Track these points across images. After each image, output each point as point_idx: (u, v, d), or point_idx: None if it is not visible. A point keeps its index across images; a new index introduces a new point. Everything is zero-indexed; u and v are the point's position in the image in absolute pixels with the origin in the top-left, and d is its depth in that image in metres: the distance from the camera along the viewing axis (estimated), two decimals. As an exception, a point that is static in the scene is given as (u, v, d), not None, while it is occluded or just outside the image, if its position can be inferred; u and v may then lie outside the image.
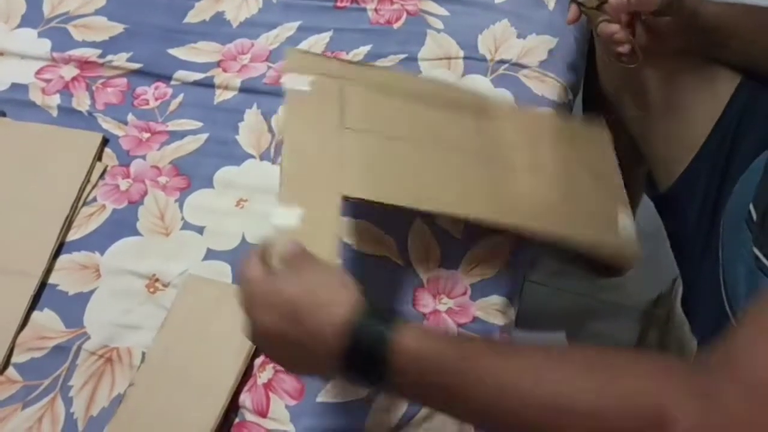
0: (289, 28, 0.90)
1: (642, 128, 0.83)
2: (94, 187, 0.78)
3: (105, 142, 0.81)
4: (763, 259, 0.63)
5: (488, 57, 0.84)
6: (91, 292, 0.71)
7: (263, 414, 0.62)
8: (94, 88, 0.86)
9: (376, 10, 0.90)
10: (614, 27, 0.68)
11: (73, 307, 0.70)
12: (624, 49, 0.69)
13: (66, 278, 0.72)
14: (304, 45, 0.88)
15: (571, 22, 0.74)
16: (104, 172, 0.79)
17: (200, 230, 0.75)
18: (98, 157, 0.80)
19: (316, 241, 0.53)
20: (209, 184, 0.78)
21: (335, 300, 0.46)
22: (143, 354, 0.67)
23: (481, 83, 0.82)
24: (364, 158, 0.62)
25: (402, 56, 0.86)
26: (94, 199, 0.77)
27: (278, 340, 0.48)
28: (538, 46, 0.85)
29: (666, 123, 0.79)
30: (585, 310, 1.18)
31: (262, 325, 0.48)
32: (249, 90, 0.85)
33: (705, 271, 0.76)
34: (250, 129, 0.81)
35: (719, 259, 0.72)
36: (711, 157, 0.79)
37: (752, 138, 0.74)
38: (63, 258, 0.73)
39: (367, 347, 0.45)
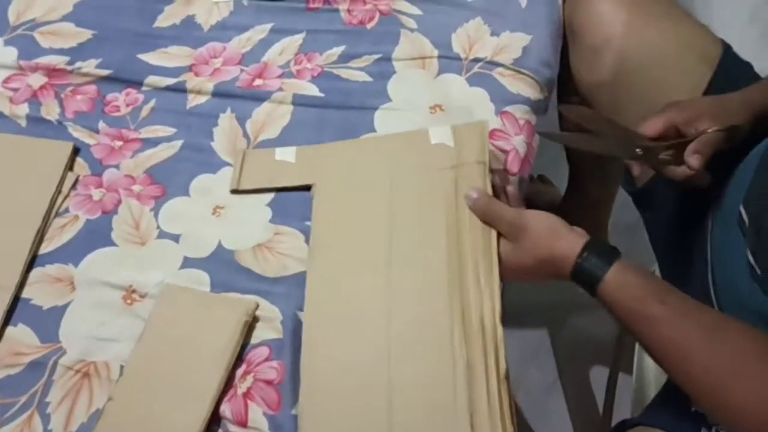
0: (262, 31, 0.89)
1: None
2: (66, 197, 0.76)
3: (76, 151, 0.80)
4: (757, 268, 0.63)
5: (462, 55, 0.84)
6: (66, 305, 0.70)
7: (243, 424, 0.61)
8: (63, 96, 0.84)
9: (348, 10, 0.89)
10: (692, 173, 0.68)
11: (48, 322, 0.69)
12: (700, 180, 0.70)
13: (40, 292, 0.71)
14: (276, 47, 0.87)
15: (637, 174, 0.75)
16: (76, 182, 0.77)
17: (176, 238, 0.74)
18: (69, 166, 0.78)
19: None
20: (185, 192, 0.77)
21: (560, 255, 0.64)
22: (121, 367, 0.66)
23: (456, 82, 0.82)
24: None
25: (376, 56, 0.85)
26: (67, 210, 0.76)
27: (531, 277, 0.68)
28: (512, 44, 0.85)
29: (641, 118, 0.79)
30: (565, 304, 1.19)
31: (519, 274, 0.68)
32: (222, 94, 0.84)
33: (689, 268, 0.76)
34: (225, 134, 0.80)
35: (707, 260, 0.72)
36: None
37: None
38: (36, 271, 0.72)
39: (584, 281, 0.63)
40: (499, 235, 0.68)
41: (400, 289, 0.66)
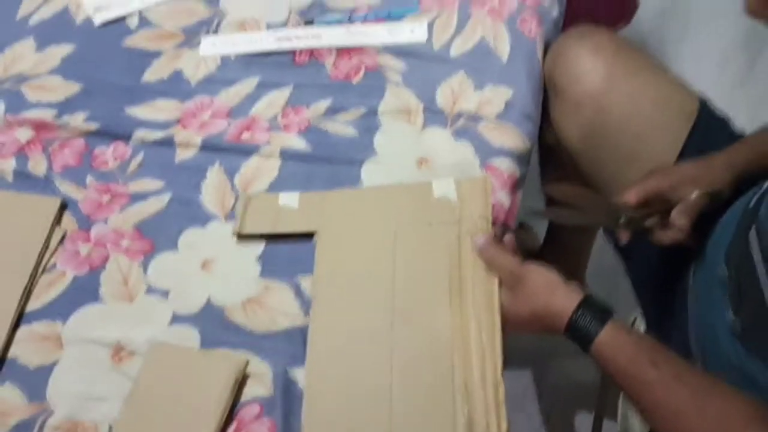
0: (249, 85, 0.90)
1: (599, 176, 0.85)
2: (53, 253, 0.76)
3: (64, 206, 0.80)
4: (738, 326, 0.65)
5: (447, 109, 0.86)
6: (54, 363, 0.69)
7: (238, 485, 0.61)
8: (50, 150, 0.85)
9: (334, 64, 0.91)
10: (682, 236, 0.71)
11: (35, 381, 0.68)
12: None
13: (26, 350, 0.70)
14: (264, 101, 0.89)
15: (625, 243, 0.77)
16: (64, 237, 0.77)
17: (165, 294, 0.74)
18: (57, 222, 0.78)
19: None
20: (173, 246, 0.77)
21: (555, 311, 0.66)
22: (110, 427, 0.65)
23: (441, 136, 0.84)
24: None
25: (362, 110, 0.87)
26: (54, 266, 0.76)
27: (525, 328, 0.69)
28: (494, 98, 0.87)
29: (622, 171, 0.82)
30: (551, 350, 1.20)
31: (514, 325, 0.69)
32: (210, 147, 0.84)
33: (671, 320, 0.78)
34: (213, 188, 0.81)
35: (688, 315, 0.74)
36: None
37: None
38: (23, 329, 0.72)
39: (578, 339, 0.65)
40: (499, 283, 0.70)
41: (402, 345, 0.67)
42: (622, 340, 0.63)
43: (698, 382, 0.60)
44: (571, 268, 1.16)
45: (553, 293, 0.66)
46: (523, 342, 1.18)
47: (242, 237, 0.76)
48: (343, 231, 0.75)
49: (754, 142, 0.74)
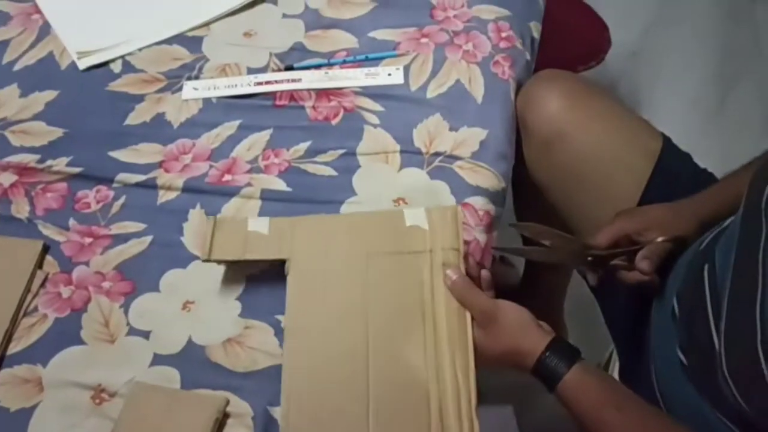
0: (230, 127, 0.92)
1: (569, 213, 0.88)
2: (35, 296, 0.77)
3: (46, 249, 0.81)
4: (685, 361, 0.67)
5: (423, 150, 0.88)
6: (34, 407, 0.70)
7: None
8: (33, 194, 0.86)
9: (314, 107, 0.94)
10: (646, 279, 0.73)
11: (15, 425, 0.68)
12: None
13: (7, 394, 0.71)
14: (245, 143, 0.91)
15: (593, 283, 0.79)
16: (45, 280, 0.78)
17: (146, 335, 0.74)
18: (39, 265, 0.79)
19: None
20: (155, 287, 0.78)
21: (526, 350, 0.68)
22: (90, 471, 0.65)
23: (418, 176, 0.86)
24: None
25: (341, 151, 0.89)
26: (35, 309, 0.76)
27: (495, 364, 0.71)
28: (469, 138, 0.89)
29: (591, 208, 0.84)
30: (532, 384, 1.20)
31: (486, 361, 0.70)
32: (192, 190, 0.86)
33: (640, 356, 0.80)
34: (194, 230, 0.82)
35: (649, 350, 0.76)
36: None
37: None
38: (4, 372, 0.72)
39: (544, 378, 0.68)
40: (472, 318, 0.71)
41: (377, 381, 0.67)
42: (588, 382, 0.65)
43: (661, 426, 0.61)
44: (549, 303, 1.18)
45: (524, 333, 0.68)
46: (505, 376, 1.19)
47: (210, 262, 0.75)
48: (315, 258, 0.75)
49: (719, 191, 0.77)
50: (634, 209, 0.76)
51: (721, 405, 0.62)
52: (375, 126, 0.91)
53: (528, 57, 1.00)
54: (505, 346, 0.69)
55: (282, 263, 0.75)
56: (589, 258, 0.75)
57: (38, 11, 1.04)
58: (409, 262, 0.74)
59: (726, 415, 0.63)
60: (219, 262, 0.77)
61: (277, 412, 0.68)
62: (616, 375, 0.91)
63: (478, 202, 0.84)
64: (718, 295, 0.63)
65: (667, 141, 0.87)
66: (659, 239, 0.72)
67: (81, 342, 0.74)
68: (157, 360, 0.72)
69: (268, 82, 0.96)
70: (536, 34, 1.03)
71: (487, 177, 0.86)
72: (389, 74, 0.96)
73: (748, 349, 0.54)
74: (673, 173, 0.82)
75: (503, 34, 0.99)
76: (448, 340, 0.69)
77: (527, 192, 0.95)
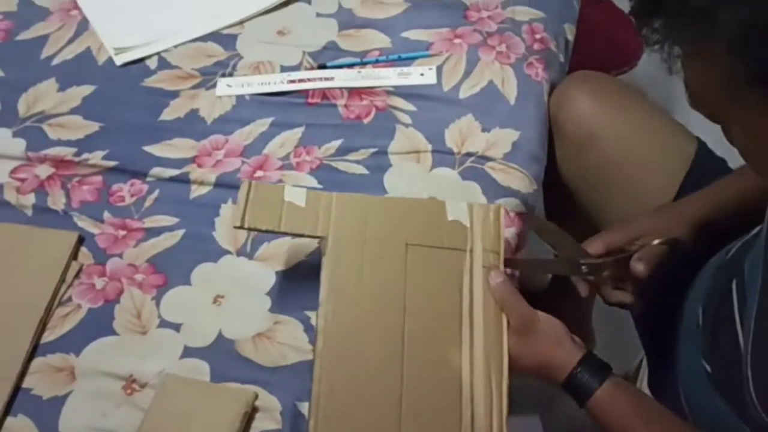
0: (263, 124, 0.93)
1: (599, 215, 0.87)
2: (69, 286, 0.78)
3: (81, 240, 0.82)
4: (710, 372, 0.66)
5: (455, 150, 0.88)
6: (66, 395, 0.71)
7: None
8: (69, 186, 0.87)
9: (346, 105, 0.94)
10: (629, 299, 0.75)
11: (48, 412, 0.69)
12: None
13: (40, 382, 0.72)
14: (277, 140, 0.91)
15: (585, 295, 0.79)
16: (80, 271, 0.79)
17: (177, 328, 0.75)
18: (74, 256, 0.80)
19: None
20: (187, 280, 0.79)
21: (558, 364, 0.69)
22: (121, 460, 0.66)
23: (449, 176, 0.86)
24: None
25: (372, 150, 0.89)
26: (70, 299, 0.77)
27: (526, 373, 0.71)
28: (501, 139, 0.89)
29: (621, 211, 0.83)
30: (557, 392, 1.19)
31: (518, 370, 0.70)
32: (224, 185, 0.87)
33: (665, 364, 0.79)
34: (226, 224, 0.83)
35: (676, 360, 0.75)
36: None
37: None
38: (37, 360, 0.73)
39: (575, 393, 0.68)
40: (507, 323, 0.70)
41: (411, 379, 0.67)
42: (618, 398, 0.65)
43: None
44: (578, 307, 1.16)
45: (558, 347, 0.68)
46: (531, 384, 1.18)
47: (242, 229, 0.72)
48: (353, 241, 0.72)
49: (708, 194, 0.77)
50: (626, 220, 0.77)
51: (747, 417, 0.61)
52: (407, 125, 0.91)
53: (561, 59, 0.99)
54: (539, 358, 0.69)
55: (313, 253, 0.75)
56: (583, 267, 0.75)
57: (77, 7, 1.06)
58: (449, 258, 0.73)
59: (753, 428, 0.62)
60: (251, 230, 0.73)
61: (305, 408, 0.69)
62: (645, 383, 0.89)
63: (510, 203, 0.83)
64: (747, 309, 0.62)
65: (702, 145, 0.86)
66: (654, 242, 0.72)
67: (113, 333, 0.75)
68: (188, 352, 0.73)
69: (300, 80, 0.97)
70: (570, 37, 1.03)
71: (519, 178, 0.86)
72: (422, 74, 0.96)
73: None
74: (707, 177, 0.80)
75: (537, 36, 0.99)
76: (485, 347, 0.69)
77: (559, 195, 0.95)
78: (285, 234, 0.74)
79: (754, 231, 0.67)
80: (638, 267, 0.72)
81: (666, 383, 0.79)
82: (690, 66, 0.44)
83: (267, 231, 0.73)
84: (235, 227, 0.72)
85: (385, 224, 0.74)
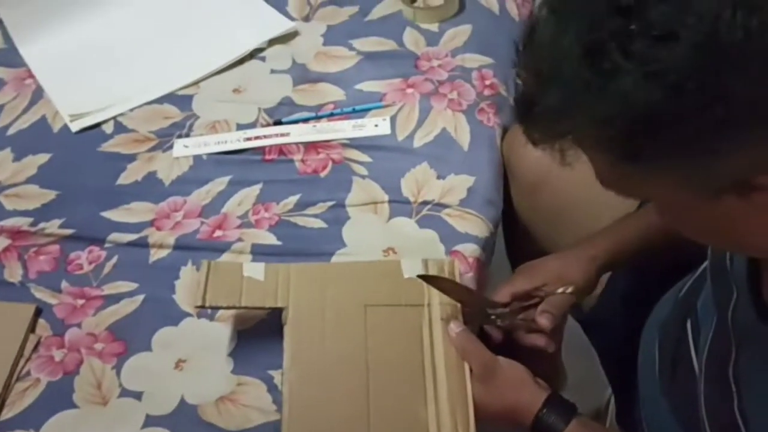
0: (220, 183, 0.93)
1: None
2: (27, 360, 0.77)
3: (38, 312, 0.81)
4: (669, 404, 0.67)
5: (411, 199, 0.89)
6: (27, 475, 0.69)
7: None
8: (26, 257, 0.86)
9: (302, 160, 0.95)
10: (542, 341, 0.76)
11: (8, 493, 0.68)
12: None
13: (0, 462, 0.70)
14: (235, 198, 0.91)
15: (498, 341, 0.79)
16: (38, 343, 0.78)
17: (138, 396, 0.74)
18: (31, 328, 0.79)
19: None
20: (147, 346, 0.78)
21: (524, 407, 0.68)
22: None
23: (407, 225, 0.87)
24: None
25: (330, 203, 0.90)
26: (28, 373, 0.76)
27: (493, 420, 0.70)
28: (457, 186, 0.90)
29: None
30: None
31: (484, 416, 0.69)
32: (183, 247, 0.87)
33: (629, 398, 0.79)
34: (186, 287, 0.83)
35: (639, 393, 0.76)
36: (625, 278, 0.85)
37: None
38: (-3, 439, 0.72)
39: None
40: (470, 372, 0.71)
41: None
42: None
43: None
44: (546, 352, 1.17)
45: (522, 390, 0.69)
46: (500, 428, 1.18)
47: (203, 308, 0.75)
48: (313, 307, 0.74)
49: (612, 232, 0.78)
50: (532, 265, 0.78)
51: None
52: (363, 177, 0.92)
53: (512, 103, 1.01)
54: (504, 403, 0.69)
55: (276, 312, 0.76)
56: (492, 316, 0.76)
57: (31, 75, 1.06)
58: (408, 314, 0.75)
59: None
60: (213, 308, 0.76)
61: (271, 471, 0.68)
62: (614, 416, 0.90)
63: (468, 249, 0.84)
64: (700, 349, 0.63)
65: None
66: (559, 290, 0.73)
67: (74, 405, 0.74)
68: (150, 421, 0.72)
69: (257, 137, 0.98)
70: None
71: (475, 223, 0.87)
72: (376, 125, 0.97)
73: (727, 411, 0.55)
74: None
75: (487, 82, 1.01)
76: (449, 397, 0.69)
77: (517, 234, 0.96)
78: (246, 308, 0.76)
79: (702, 267, 0.68)
80: (542, 320, 0.73)
81: (632, 417, 0.80)
82: (582, 151, 0.45)
83: (228, 308, 0.76)
84: (197, 307, 0.75)
85: (343, 289, 0.76)
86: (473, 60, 1.04)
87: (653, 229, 0.75)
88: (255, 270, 0.77)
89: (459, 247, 0.84)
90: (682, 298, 0.71)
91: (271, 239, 0.86)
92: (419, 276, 0.74)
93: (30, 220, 0.90)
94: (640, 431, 0.76)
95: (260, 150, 0.96)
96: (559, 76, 0.40)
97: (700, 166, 0.40)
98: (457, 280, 0.78)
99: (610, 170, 0.45)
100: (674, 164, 0.41)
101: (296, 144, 0.96)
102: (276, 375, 0.74)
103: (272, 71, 1.06)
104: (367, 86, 1.02)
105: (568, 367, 1.27)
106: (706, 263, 0.65)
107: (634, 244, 0.77)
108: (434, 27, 1.08)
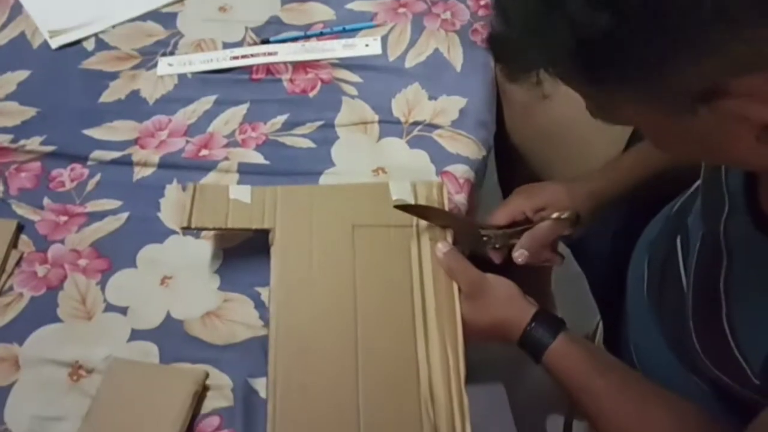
0: (206, 102, 0.91)
1: (549, 178, 0.87)
2: (10, 275, 0.75)
3: (20, 228, 0.79)
4: (658, 324, 0.66)
5: (402, 119, 0.87)
6: (11, 385, 0.69)
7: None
8: (7, 174, 0.84)
9: (291, 80, 0.92)
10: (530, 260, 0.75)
11: (-8, 404, 0.67)
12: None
13: (-17, 374, 0.69)
14: (221, 118, 0.89)
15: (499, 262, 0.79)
16: (20, 259, 0.77)
17: (124, 311, 0.73)
18: (13, 244, 0.78)
19: None
20: (132, 263, 0.77)
21: (513, 322, 0.68)
22: (68, 446, 0.64)
23: (397, 145, 0.85)
24: None
25: (319, 123, 0.88)
26: (11, 288, 0.75)
27: (482, 337, 0.71)
28: (449, 107, 0.88)
29: (570, 171, 0.83)
30: (520, 360, 1.20)
31: (473, 334, 0.69)
32: (168, 165, 0.85)
33: (618, 320, 0.79)
34: (171, 205, 0.81)
35: (627, 315, 0.75)
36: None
37: None
38: (-21, 352, 0.71)
39: (530, 349, 0.68)
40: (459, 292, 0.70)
41: (367, 352, 0.67)
42: (572, 351, 0.66)
43: (643, 392, 0.62)
44: (536, 276, 1.17)
45: (511, 305, 0.68)
46: (493, 353, 1.19)
47: (189, 230, 0.74)
48: (300, 229, 0.73)
49: (611, 169, 0.77)
50: (531, 186, 0.77)
51: (696, 369, 0.62)
52: (353, 97, 0.90)
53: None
54: (492, 319, 0.69)
55: (262, 233, 0.74)
56: (485, 238, 0.75)
57: (9, -9, 1.02)
58: (396, 235, 0.73)
59: (703, 380, 0.63)
60: (199, 230, 0.75)
61: (257, 384, 0.68)
62: (601, 341, 0.90)
63: (459, 170, 0.83)
64: (689, 264, 0.63)
65: None
66: (554, 215, 0.72)
67: (57, 320, 0.73)
68: (135, 335, 0.71)
69: (244, 56, 0.95)
70: (516, 1, 1.02)
71: (467, 145, 0.85)
72: (367, 45, 0.95)
73: (715, 322, 0.55)
74: None
75: (482, 2, 0.98)
76: (437, 314, 0.69)
77: (509, 158, 0.94)
78: (233, 230, 0.75)
79: (695, 185, 0.67)
80: (516, 256, 0.74)
81: (619, 340, 0.80)
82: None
83: (215, 229, 0.75)
84: (182, 228, 0.74)
85: (331, 210, 0.75)
86: (468, -21, 1.01)
87: (652, 161, 0.74)
88: (241, 192, 0.76)
89: (450, 168, 0.82)
90: (673, 215, 0.70)
91: (258, 158, 0.85)
92: (397, 206, 0.73)
93: (10, 137, 0.87)
94: (627, 353, 0.76)
95: (247, 69, 0.94)
96: (516, 11, 0.41)
97: (663, 86, 0.39)
98: (446, 203, 0.76)
99: (588, 100, 0.45)
100: (638, 87, 0.40)
101: (284, 63, 0.93)
102: (263, 292, 0.74)
103: (260, -11, 1.02)
104: (358, 5, 0.99)
105: (557, 294, 1.28)
106: (698, 182, 0.64)
107: (632, 180, 0.76)
108: (428, -55, 1.05)
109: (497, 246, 0.76)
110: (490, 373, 1.25)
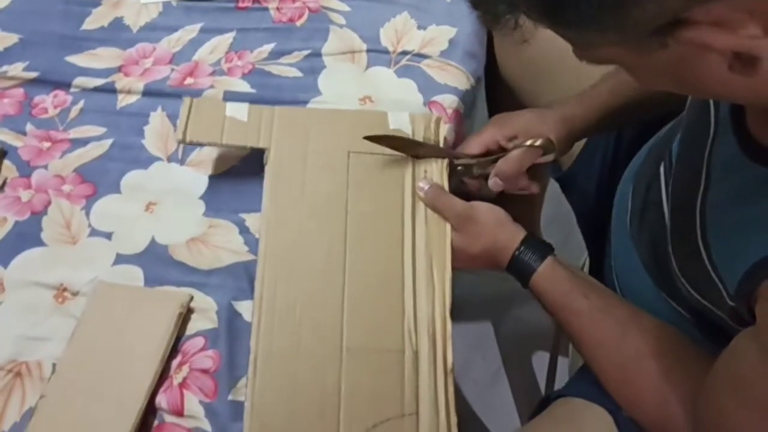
0: (191, 31, 0.89)
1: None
2: (-7, 200, 0.75)
3: (3, 153, 0.78)
4: (641, 257, 0.67)
5: (390, 49, 0.86)
6: (-4, 307, 0.69)
7: (179, 413, 0.61)
8: (-12, 100, 0.83)
9: (278, 8, 0.91)
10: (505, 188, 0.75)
11: (-24, 325, 0.68)
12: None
13: (-32, 295, 0.70)
14: (207, 46, 0.88)
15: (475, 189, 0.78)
16: (4, 184, 0.76)
17: (108, 236, 0.73)
18: (-4, 169, 0.77)
19: None
20: (116, 189, 0.76)
21: (502, 245, 0.69)
22: (53, 365, 0.65)
23: (384, 74, 0.84)
24: None
25: (306, 52, 0.86)
26: (-5, 213, 0.75)
27: (472, 264, 0.71)
28: (438, 37, 0.87)
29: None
30: (507, 296, 1.22)
31: (464, 261, 0.70)
32: (153, 93, 0.84)
33: (602, 250, 0.80)
34: (155, 132, 0.80)
35: (611, 247, 0.76)
36: (605, 140, 0.83)
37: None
38: (-36, 274, 0.71)
39: (518, 273, 0.68)
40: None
41: (354, 273, 0.67)
42: (559, 274, 0.66)
43: (623, 314, 0.63)
44: (525, 215, 1.17)
45: (500, 229, 0.69)
46: (481, 289, 1.20)
47: (186, 144, 0.73)
48: (295, 150, 0.73)
49: (587, 97, 0.76)
50: (505, 115, 0.76)
51: (679, 297, 0.62)
52: (341, 26, 0.88)
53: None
54: (482, 244, 0.69)
55: (249, 157, 0.73)
56: (459, 168, 0.75)
57: None
58: (391, 164, 0.73)
59: (683, 306, 0.63)
60: (193, 144, 0.74)
61: (241, 306, 0.68)
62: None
63: (447, 100, 0.82)
64: (670, 192, 0.63)
65: None
66: (527, 143, 0.72)
67: (42, 244, 0.73)
68: (120, 259, 0.71)
69: (230, -16, 0.92)
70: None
71: (456, 75, 0.84)
72: (355, -27, 0.92)
73: (691, 245, 0.55)
74: None
75: (474, -69, 0.96)
76: (426, 242, 0.69)
77: (500, 92, 0.93)
78: (227, 146, 0.74)
79: (681, 115, 0.67)
80: (491, 184, 0.73)
81: (603, 272, 0.80)
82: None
83: (209, 144, 0.73)
84: (178, 141, 0.73)
85: (328, 134, 0.74)
86: None
87: (625, 89, 0.73)
88: (238, 110, 0.74)
89: (438, 98, 0.82)
90: (658, 142, 0.70)
91: (244, 87, 0.83)
92: (367, 137, 0.72)
93: (-9, 63, 0.86)
94: (610, 282, 0.76)
95: (233, -3, 0.92)
96: None
97: (627, 23, 0.39)
98: (441, 138, 0.75)
99: (567, 42, 0.45)
100: (604, 26, 0.40)
101: (271, -9, 0.92)
102: (248, 218, 0.73)
103: None
104: (347, -68, 0.96)
105: (547, 234, 1.29)
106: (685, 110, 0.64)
107: (605, 107, 0.75)
108: None
109: (475, 174, 0.76)
110: (478, 311, 1.26)
